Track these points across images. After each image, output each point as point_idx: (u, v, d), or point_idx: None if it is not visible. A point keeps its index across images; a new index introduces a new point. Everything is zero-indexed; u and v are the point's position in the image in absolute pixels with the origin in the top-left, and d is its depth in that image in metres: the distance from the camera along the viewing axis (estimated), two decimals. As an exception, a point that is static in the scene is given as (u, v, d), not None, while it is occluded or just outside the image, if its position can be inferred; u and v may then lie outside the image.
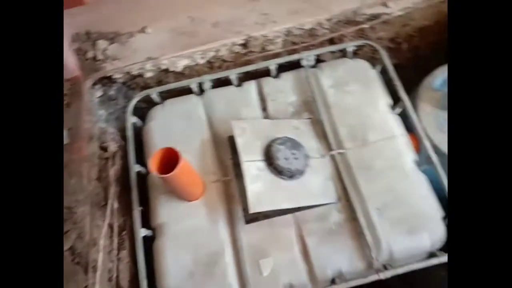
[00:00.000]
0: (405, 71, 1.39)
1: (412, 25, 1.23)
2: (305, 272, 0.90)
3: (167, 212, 0.98)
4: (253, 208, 0.86)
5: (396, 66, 1.43)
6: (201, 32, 1.09)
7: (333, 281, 0.91)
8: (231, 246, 0.93)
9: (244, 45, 1.12)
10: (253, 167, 0.93)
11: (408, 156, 1.00)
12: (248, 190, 0.87)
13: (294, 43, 1.16)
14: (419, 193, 0.95)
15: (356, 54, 1.25)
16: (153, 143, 1.06)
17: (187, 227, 0.95)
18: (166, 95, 1.13)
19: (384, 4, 1.11)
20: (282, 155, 0.95)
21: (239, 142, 0.95)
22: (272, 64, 1.13)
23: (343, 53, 1.19)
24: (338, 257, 0.91)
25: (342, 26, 1.14)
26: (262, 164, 0.95)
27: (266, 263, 0.91)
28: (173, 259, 0.92)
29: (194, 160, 1.02)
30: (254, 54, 1.15)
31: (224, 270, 0.90)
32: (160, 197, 0.99)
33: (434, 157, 0.98)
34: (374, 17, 1.12)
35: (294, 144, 0.99)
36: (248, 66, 1.12)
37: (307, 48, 1.19)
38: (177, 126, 1.08)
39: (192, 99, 1.13)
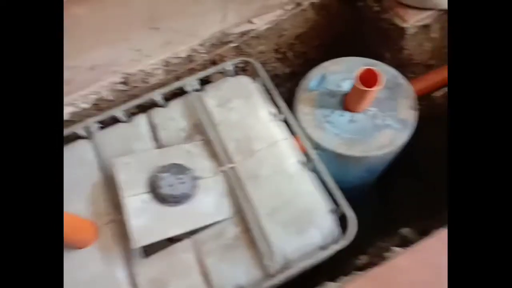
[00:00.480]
0: (301, 77, 1.47)
1: (288, 35, 1.31)
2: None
3: (63, 264, 0.95)
4: (137, 243, 0.86)
5: (292, 74, 1.52)
6: (77, 78, 1.11)
7: (237, 296, 0.91)
8: (129, 287, 0.92)
9: (124, 83, 1.14)
10: (137, 201, 0.94)
11: (292, 158, 1.05)
12: (130, 225, 0.88)
13: (175, 71, 1.20)
14: (304, 191, 0.99)
15: (245, 70, 1.31)
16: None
17: (83, 278, 0.93)
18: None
19: (250, 22, 1.18)
20: (166, 183, 0.96)
21: (121, 178, 0.96)
22: (157, 95, 1.16)
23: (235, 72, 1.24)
24: (236, 271, 0.92)
25: (218, 47, 1.20)
26: (146, 196, 0.95)
27: (165, 295, 0.90)
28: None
29: (84, 207, 1.01)
30: (138, 88, 1.17)
31: (124, 312, 0.88)
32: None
33: (313, 154, 1.03)
34: (244, 34, 1.19)
35: (180, 169, 1.01)
36: (132, 101, 1.14)
37: (191, 73, 1.23)
38: (67, 176, 1.07)
39: (80, 145, 1.13)
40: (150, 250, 0.97)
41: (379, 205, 1.55)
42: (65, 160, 1.10)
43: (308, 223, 0.94)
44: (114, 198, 1.04)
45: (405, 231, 1.03)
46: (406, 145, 1.17)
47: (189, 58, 1.19)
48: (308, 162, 1.05)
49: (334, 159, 1.08)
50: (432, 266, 0.88)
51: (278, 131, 1.10)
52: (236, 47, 1.23)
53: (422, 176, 1.43)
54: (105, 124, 1.16)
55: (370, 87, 0.97)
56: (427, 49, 1.19)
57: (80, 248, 0.95)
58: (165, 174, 0.98)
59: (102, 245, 0.97)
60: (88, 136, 1.15)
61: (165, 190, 0.94)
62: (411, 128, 1.05)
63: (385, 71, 1.13)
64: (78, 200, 1.00)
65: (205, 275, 0.93)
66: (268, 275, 0.91)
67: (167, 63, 1.17)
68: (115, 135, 1.14)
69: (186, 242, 0.96)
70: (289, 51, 1.39)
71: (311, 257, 0.92)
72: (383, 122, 1.07)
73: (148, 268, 0.93)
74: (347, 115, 1.09)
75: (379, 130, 1.06)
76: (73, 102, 1.12)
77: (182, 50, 1.16)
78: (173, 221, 0.93)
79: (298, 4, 1.21)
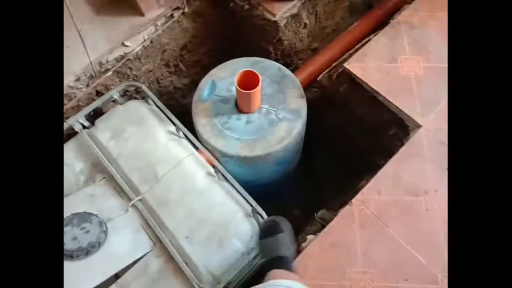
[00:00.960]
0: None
1: (171, 48, 1.28)
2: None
3: None
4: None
5: (193, 83, 1.49)
6: None
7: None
8: None
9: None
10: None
11: (199, 173, 1.04)
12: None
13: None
14: (217, 204, 1.00)
15: (139, 92, 1.26)
16: None
17: None
18: None
19: (123, 44, 1.12)
20: (69, 237, 0.90)
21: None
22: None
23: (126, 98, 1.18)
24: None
25: (97, 78, 1.13)
26: (49, 258, 0.88)
27: None
28: None
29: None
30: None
31: None
32: None
33: (218, 164, 1.04)
34: (121, 57, 1.13)
35: (82, 218, 0.95)
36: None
37: (77, 111, 1.15)
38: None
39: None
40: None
41: (304, 190, 1.63)
42: None
43: (226, 234, 0.95)
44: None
45: (322, 213, 1.10)
46: (309, 129, 1.24)
47: (68, 97, 1.10)
48: (216, 173, 1.05)
49: (243, 162, 1.10)
50: (339, 246, 0.95)
51: (180, 150, 1.08)
52: (118, 72, 1.17)
53: (334, 153, 1.52)
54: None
55: (253, 87, 0.99)
56: (304, 35, 1.26)
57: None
58: (66, 228, 0.91)
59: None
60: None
61: (69, 245, 0.88)
62: (304, 115, 1.11)
63: (269, 67, 1.17)
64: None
65: (139, 317, 0.90)
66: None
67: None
68: None
69: (111, 289, 0.92)
70: (180, 62, 1.36)
71: (240, 264, 0.94)
72: (276, 117, 1.11)
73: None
74: (243, 117, 1.11)
75: (275, 124, 1.09)
76: None
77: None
78: (88, 274, 0.88)
79: (170, 17, 1.18)
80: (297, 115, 1.10)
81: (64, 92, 1.09)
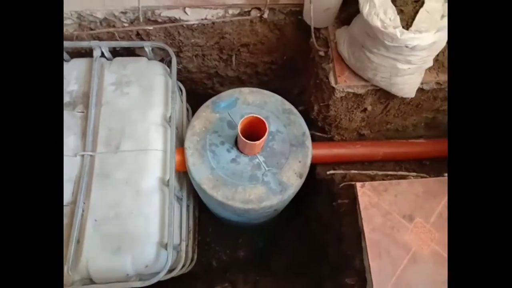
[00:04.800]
0: (246, 85, 1.35)
1: (231, 39, 1.17)
2: None
3: None
4: None
5: (238, 80, 1.39)
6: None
7: None
8: None
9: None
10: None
11: (153, 173, 0.96)
12: None
13: (92, 29, 1.08)
14: (143, 214, 0.91)
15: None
16: None
17: None
18: None
19: (183, 9, 1.03)
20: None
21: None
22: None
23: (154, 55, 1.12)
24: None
25: (144, 23, 1.07)
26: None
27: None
28: None
29: None
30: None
31: None
32: None
33: (173, 179, 0.94)
34: (174, 20, 1.05)
35: (31, 136, 0.92)
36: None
37: (110, 38, 1.11)
38: None
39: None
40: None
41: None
42: None
43: (127, 247, 0.87)
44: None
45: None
46: (289, 207, 1.10)
47: (108, 22, 1.06)
48: (168, 185, 0.96)
49: (201, 192, 0.99)
50: None
51: (157, 139, 1.00)
52: (166, 30, 1.09)
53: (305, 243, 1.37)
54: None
55: (258, 134, 0.86)
56: (357, 118, 1.07)
57: None
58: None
59: None
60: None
61: None
62: (287, 195, 0.96)
63: (296, 125, 1.02)
64: None
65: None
66: (64, 283, 0.85)
67: (80, 17, 1.04)
68: None
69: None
70: (234, 55, 1.25)
71: (115, 281, 0.87)
72: (262, 177, 0.97)
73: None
74: (234, 153, 0.99)
75: (254, 182, 0.96)
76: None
77: (98, 10, 1.02)
78: None
79: (246, 13, 1.06)
80: (281, 190, 0.96)
81: (106, 17, 1.05)
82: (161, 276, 0.86)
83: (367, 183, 0.97)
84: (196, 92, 1.40)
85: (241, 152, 0.99)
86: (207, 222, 1.56)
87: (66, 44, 1.04)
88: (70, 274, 0.84)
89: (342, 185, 1.04)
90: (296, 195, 1.02)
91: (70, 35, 1.08)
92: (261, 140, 0.88)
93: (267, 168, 0.97)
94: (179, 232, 1.01)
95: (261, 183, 0.96)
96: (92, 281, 0.87)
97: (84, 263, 0.86)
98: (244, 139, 0.86)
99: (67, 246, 0.87)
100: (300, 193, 1.03)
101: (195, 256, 1.26)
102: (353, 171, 1.07)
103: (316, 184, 1.21)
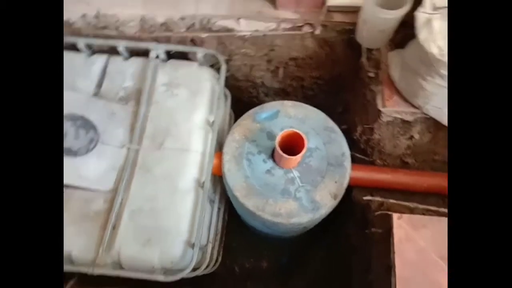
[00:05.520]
0: (291, 98, 1.36)
1: (280, 52, 1.19)
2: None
3: None
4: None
5: (283, 92, 1.41)
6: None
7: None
8: None
9: (97, 17, 1.12)
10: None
11: (190, 173, 0.99)
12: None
13: (152, 31, 1.15)
14: (177, 211, 0.95)
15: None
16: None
17: None
18: None
19: (237, 19, 1.07)
20: (72, 133, 0.96)
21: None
22: (122, 45, 1.13)
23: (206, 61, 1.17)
24: (76, 241, 0.93)
25: (198, 30, 1.12)
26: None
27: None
28: None
29: None
30: (109, 30, 1.15)
31: None
32: None
33: (208, 182, 0.97)
34: (228, 30, 1.09)
35: (87, 125, 1.00)
36: (98, 39, 1.12)
37: (168, 42, 1.18)
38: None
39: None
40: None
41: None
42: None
43: (156, 241, 0.91)
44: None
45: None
46: (318, 225, 1.07)
47: (166, 26, 1.13)
48: (203, 187, 0.99)
49: (234, 199, 1.01)
50: None
51: (198, 141, 1.03)
52: (219, 38, 1.14)
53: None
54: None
55: (296, 148, 0.86)
56: (403, 145, 1.02)
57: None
58: (68, 122, 0.98)
59: None
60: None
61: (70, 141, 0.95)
62: (319, 214, 0.94)
63: (336, 143, 1.00)
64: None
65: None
66: (95, 263, 0.91)
67: (143, 20, 1.12)
68: (68, 61, 1.14)
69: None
70: (282, 68, 1.27)
71: (139, 273, 0.91)
72: (294, 192, 0.96)
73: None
74: (269, 164, 0.99)
75: (286, 197, 0.96)
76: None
77: (159, 15, 1.09)
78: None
79: (298, 28, 1.07)
80: (312, 209, 0.94)
81: (165, 21, 1.12)
82: (185, 274, 0.89)
83: (405, 215, 0.92)
84: (241, 99, 1.43)
85: (277, 164, 0.99)
86: (235, 228, 1.57)
87: (128, 43, 1.12)
88: (103, 256, 0.90)
89: (378, 213, 1.00)
90: (328, 214, 0.99)
91: (132, 36, 1.16)
92: (298, 155, 0.87)
93: (301, 184, 0.97)
94: (207, 233, 1.03)
95: (293, 199, 0.95)
96: (121, 267, 0.92)
97: (116, 248, 0.91)
98: (281, 152, 0.86)
99: (104, 229, 0.93)
100: (332, 213, 1.01)
101: (220, 259, 1.28)
102: (391, 200, 1.02)
103: (350, 207, 1.17)
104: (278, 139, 0.87)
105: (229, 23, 1.08)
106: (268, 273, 1.59)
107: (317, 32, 1.06)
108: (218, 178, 1.13)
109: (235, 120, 1.11)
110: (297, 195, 0.96)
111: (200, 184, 1.00)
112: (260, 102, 1.31)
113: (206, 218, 1.04)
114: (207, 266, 1.06)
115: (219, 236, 1.24)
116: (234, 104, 1.28)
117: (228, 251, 1.58)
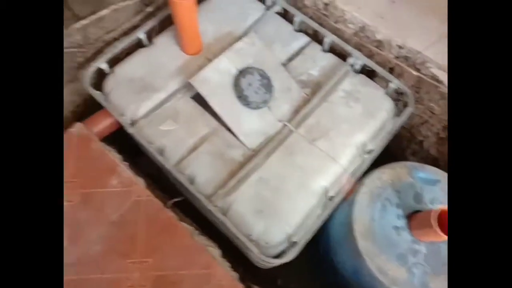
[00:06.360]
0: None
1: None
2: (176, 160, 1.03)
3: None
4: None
5: (433, 160, 1.30)
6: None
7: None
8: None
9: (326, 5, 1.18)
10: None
11: (324, 180, 0.99)
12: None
13: (361, 40, 1.17)
14: (296, 204, 0.96)
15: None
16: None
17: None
18: None
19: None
20: (247, 82, 1.05)
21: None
22: (328, 38, 1.17)
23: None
24: (204, 170, 1.00)
25: (405, 61, 1.10)
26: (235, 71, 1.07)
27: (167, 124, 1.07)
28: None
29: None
30: (328, 20, 1.20)
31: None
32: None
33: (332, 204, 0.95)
34: (432, 78, 1.04)
35: (268, 87, 1.07)
36: (314, 22, 1.18)
37: (370, 55, 1.18)
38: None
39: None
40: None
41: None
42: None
43: (266, 216, 0.93)
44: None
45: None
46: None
47: (379, 43, 1.13)
48: (329, 201, 0.98)
49: (346, 226, 0.98)
50: None
51: (347, 158, 1.03)
52: (420, 80, 1.10)
53: None
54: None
55: (439, 224, 0.79)
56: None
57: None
58: (258, 76, 1.06)
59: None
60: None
61: (246, 90, 1.04)
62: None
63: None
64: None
65: (193, 149, 1.05)
66: (210, 198, 0.97)
67: (364, 28, 1.14)
68: (277, 27, 1.24)
69: (212, 121, 1.08)
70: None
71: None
72: (411, 265, 0.88)
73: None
74: (401, 223, 0.92)
75: (400, 263, 0.88)
76: None
77: (380, 32, 1.10)
78: (229, 106, 1.05)
79: None
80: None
81: (382, 39, 1.12)
82: (275, 263, 0.90)
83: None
84: (393, 145, 1.38)
85: (409, 228, 0.93)
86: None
87: (336, 40, 1.16)
88: (219, 198, 0.96)
89: None
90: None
91: (341, 35, 1.20)
92: (442, 235, 0.80)
93: (422, 263, 0.89)
94: (306, 240, 1.02)
95: (406, 269, 0.88)
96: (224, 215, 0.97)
97: (232, 199, 0.96)
98: (436, 225, 0.80)
99: (231, 177, 0.99)
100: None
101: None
102: None
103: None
104: (439, 208, 0.81)
105: (441, 75, 1.03)
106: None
107: None
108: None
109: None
110: (412, 270, 0.89)
111: (327, 196, 0.99)
112: (417, 159, 1.25)
113: (314, 229, 1.02)
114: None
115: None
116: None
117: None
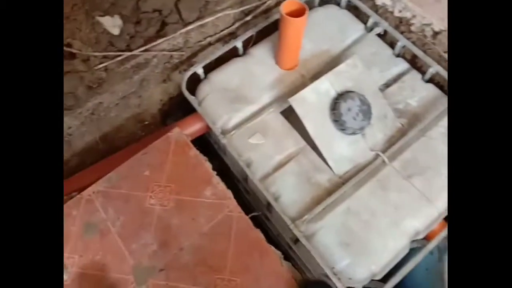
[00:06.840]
0: None
1: None
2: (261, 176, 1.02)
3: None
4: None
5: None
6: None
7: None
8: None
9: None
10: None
11: (418, 222, 0.94)
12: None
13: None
14: (386, 242, 0.91)
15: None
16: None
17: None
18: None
19: None
20: (347, 107, 1.00)
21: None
22: (433, 68, 1.10)
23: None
24: (291, 191, 0.98)
25: None
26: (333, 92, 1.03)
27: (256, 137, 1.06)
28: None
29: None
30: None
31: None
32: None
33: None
34: None
35: (367, 114, 1.02)
36: (419, 50, 1.12)
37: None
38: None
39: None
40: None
41: None
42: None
43: (352, 250, 0.90)
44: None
45: None
46: None
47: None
48: (421, 246, 0.93)
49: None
50: None
51: (444, 201, 0.96)
52: None
53: None
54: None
55: None
56: None
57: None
58: (358, 102, 1.01)
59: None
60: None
61: (345, 115, 1.00)
62: None
63: None
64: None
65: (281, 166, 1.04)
66: (295, 222, 0.96)
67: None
68: (377, 48, 1.18)
69: (299, 140, 1.06)
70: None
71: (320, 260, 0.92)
72: None
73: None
74: None
75: None
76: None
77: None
78: (322, 129, 1.01)
79: None
80: None
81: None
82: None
83: None
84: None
85: None
86: None
87: (441, 70, 1.09)
88: (304, 223, 0.94)
89: None
90: None
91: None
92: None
93: None
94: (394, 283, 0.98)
95: None
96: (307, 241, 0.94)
97: (316, 226, 0.93)
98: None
99: (316, 202, 0.96)
100: None
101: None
102: None
103: None
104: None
105: None
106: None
107: None
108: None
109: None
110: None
111: (417, 239, 0.94)
112: None
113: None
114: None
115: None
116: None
117: None
